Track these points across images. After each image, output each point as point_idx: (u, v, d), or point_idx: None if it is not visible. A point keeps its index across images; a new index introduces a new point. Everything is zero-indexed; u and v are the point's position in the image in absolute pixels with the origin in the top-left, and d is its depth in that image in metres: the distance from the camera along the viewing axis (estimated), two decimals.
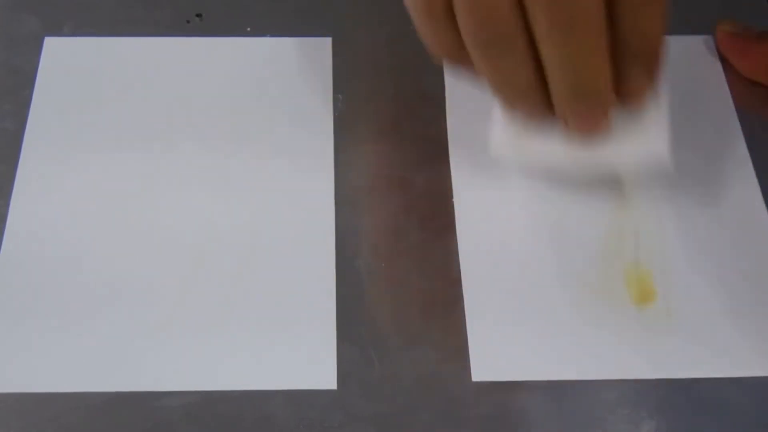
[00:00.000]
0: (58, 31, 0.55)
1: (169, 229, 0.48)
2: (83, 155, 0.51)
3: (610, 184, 0.49)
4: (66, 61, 0.54)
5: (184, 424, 0.43)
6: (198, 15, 0.56)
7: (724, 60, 0.54)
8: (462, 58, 0.43)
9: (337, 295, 0.46)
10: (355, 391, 0.44)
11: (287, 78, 0.54)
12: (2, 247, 0.47)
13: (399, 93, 0.54)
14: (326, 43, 0.55)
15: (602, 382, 0.44)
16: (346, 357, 0.44)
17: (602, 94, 0.43)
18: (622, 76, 0.43)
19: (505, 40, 0.41)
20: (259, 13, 0.56)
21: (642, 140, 0.46)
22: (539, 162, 0.48)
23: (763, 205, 0.49)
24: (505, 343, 0.45)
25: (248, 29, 0.56)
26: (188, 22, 0.56)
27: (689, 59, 0.54)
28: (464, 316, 0.46)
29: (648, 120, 0.46)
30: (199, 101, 0.53)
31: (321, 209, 0.49)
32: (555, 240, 0.48)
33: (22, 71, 0.54)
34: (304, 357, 0.44)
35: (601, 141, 0.45)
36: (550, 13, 0.40)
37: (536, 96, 0.43)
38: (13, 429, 0.42)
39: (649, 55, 0.43)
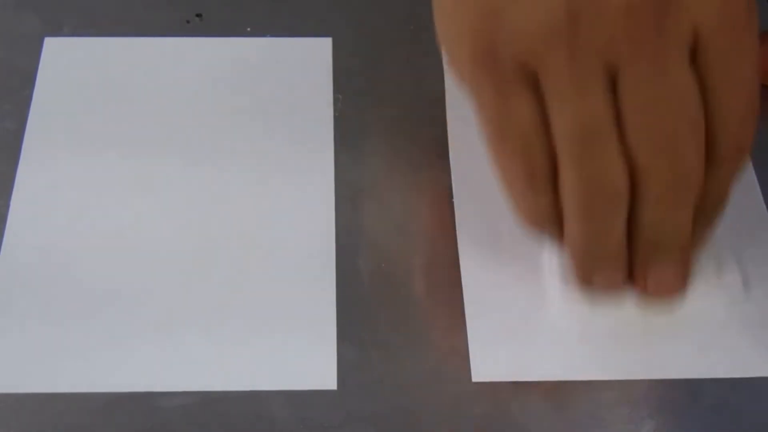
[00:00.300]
0: (58, 31, 0.55)
1: (169, 229, 0.48)
2: (83, 155, 0.51)
3: None
4: (66, 61, 0.54)
5: (184, 425, 0.43)
6: (198, 15, 0.56)
7: None
8: (551, 224, 0.42)
9: (337, 295, 0.46)
10: (355, 391, 0.44)
11: (287, 78, 0.54)
12: (2, 247, 0.47)
13: (399, 93, 0.54)
14: (326, 43, 0.55)
15: (602, 382, 0.44)
16: (346, 357, 0.44)
17: (689, 253, 0.43)
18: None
19: (614, 205, 0.40)
20: (259, 13, 0.56)
21: (713, 277, 0.46)
22: (606, 323, 0.46)
23: (763, 205, 0.49)
24: (505, 343, 0.45)
25: (248, 29, 0.56)
26: (188, 22, 0.56)
27: None
28: (464, 316, 0.46)
29: (711, 255, 0.46)
30: (199, 101, 0.53)
31: (321, 209, 0.49)
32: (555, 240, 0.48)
33: (22, 71, 0.54)
34: (304, 357, 0.44)
35: (677, 301, 0.45)
36: (664, 179, 0.40)
37: (623, 260, 0.42)
38: (13, 429, 0.42)
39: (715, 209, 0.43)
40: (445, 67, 0.52)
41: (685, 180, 0.40)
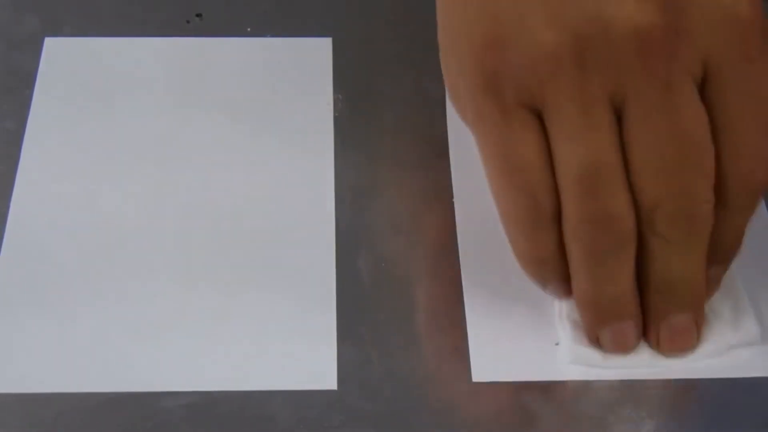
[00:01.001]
0: (58, 32, 0.55)
1: (169, 229, 0.48)
2: (83, 155, 0.51)
3: None
4: (66, 61, 0.54)
5: (184, 425, 0.43)
6: (198, 15, 0.56)
7: None
8: (554, 268, 0.41)
9: (337, 295, 0.46)
10: (355, 391, 0.44)
11: (287, 78, 0.54)
12: (2, 247, 0.47)
13: (399, 93, 0.54)
14: (326, 43, 0.55)
15: (602, 382, 0.44)
16: (346, 357, 0.44)
17: (702, 301, 0.42)
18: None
19: (621, 245, 0.39)
20: (259, 13, 0.56)
21: (727, 325, 0.44)
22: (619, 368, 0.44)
23: (763, 205, 0.49)
24: (505, 343, 0.45)
25: (248, 29, 0.56)
26: (188, 22, 0.56)
27: None
28: (464, 316, 0.46)
29: (725, 300, 0.44)
30: (199, 101, 0.53)
31: (321, 209, 0.49)
32: None
33: (22, 71, 0.54)
34: (304, 357, 0.44)
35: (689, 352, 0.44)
36: (672, 217, 0.39)
37: (633, 312, 0.42)
38: (13, 429, 0.42)
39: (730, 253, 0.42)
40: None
41: (694, 219, 0.39)
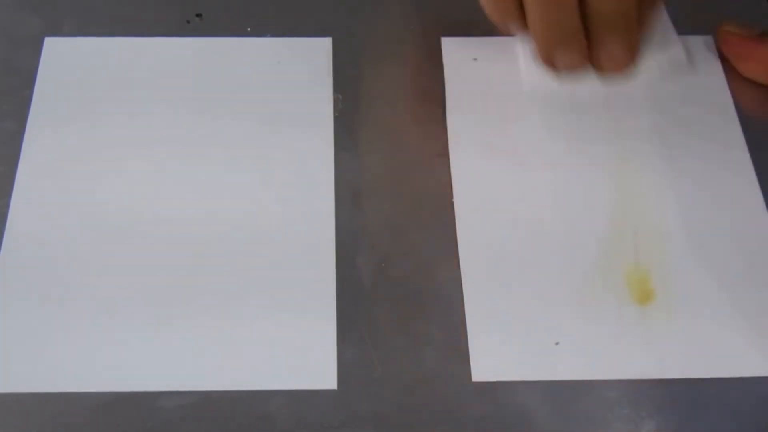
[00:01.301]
0: (58, 31, 0.55)
1: (169, 229, 0.48)
2: (83, 155, 0.51)
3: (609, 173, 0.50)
4: (66, 61, 0.54)
5: (184, 425, 0.43)
6: (198, 15, 0.56)
7: (724, 60, 0.54)
8: (515, 17, 0.50)
9: (337, 294, 0.46)
10: (355, 391, 0.44)
11: (287, 78, 0.54)
12: (2, 247, 0.47)
13: (399, 93, 0.54)
14: (326, 43, 0.55)
15: (602, 382, 0.44)
16: (346, 357, 0.44)
17: (635, 31, 0.51)
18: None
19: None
20: (259, 13, 0.56)
21: (659, 52, 0.53)
22: (569, 89, 0.52)
23: (763, 205, 0.49)
24: (505, 343, 0.45)
25: (248, 29, 0.56)
26: (188, 22, 0.56)
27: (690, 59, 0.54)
28: (464, 316, 0.46)
29: (657, 34, 0.53)
30: (200, 101, 0.53)
31: (321, 209, 0.49)
32: (555, 240, 0.48)
33: (22, 71, 0.54)
34: (304, 357, 0.44)
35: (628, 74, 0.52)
36: None
37: (579, 41, 0.50)
38: (13, 429, 0.42)
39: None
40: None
41: None
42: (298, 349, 0.45)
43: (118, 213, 0.49)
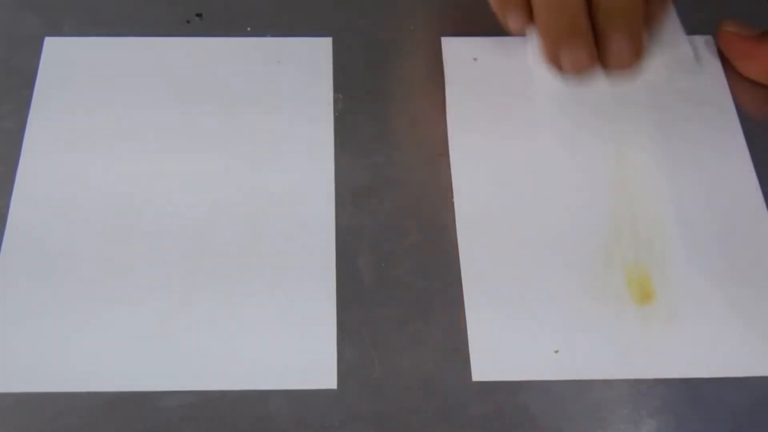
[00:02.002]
0: (58, 31, 0.55)
1: (169, 229, 0.48)
2: (83, 155, 0.51)
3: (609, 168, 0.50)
4: (66, 61, 0.54)
5: (184, 425, 0.43)
6: (198, 15, 0.56)
7: (724, 60, 0.54)
8: (522, 12, 0.50)
9: (337, 295, 0.46)
10: (355, 391, 0.44)
11: (287, 78, 0.54)
12: (2, 247, 0.47)
13: (399, 93, 0.54)
14: (326, 43, 0.55)
15: (602, 382, 0.44)
16: (346, 357, 0.44)
17: (640, 28, 0.51)
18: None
19: None
20: (259, 13, 0.56)
21: (667, 50, 0.53)
22: (573, 88, 0.52)
23: (764, 205, 0.49)
24: (505, 343, 0.45)
25: (248, 29, 0.56)
26: (188, 22, 0.56)
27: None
28: (464, 316, 0.46)
29: (666, 33, 0.53)
30: (199, 101, 0.53)
31: (321, 209, 0.49)
32: (555, 240, 0.48)
33: (22, 71, 0.54)
34: (304, 357, 0.44)
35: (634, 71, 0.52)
36: None
37: (585, 39, 0.50)
38: (13, 429, 0.42)
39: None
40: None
41: None
42: (298, 349, 0.45)
43: (117, 213, 0.49)
